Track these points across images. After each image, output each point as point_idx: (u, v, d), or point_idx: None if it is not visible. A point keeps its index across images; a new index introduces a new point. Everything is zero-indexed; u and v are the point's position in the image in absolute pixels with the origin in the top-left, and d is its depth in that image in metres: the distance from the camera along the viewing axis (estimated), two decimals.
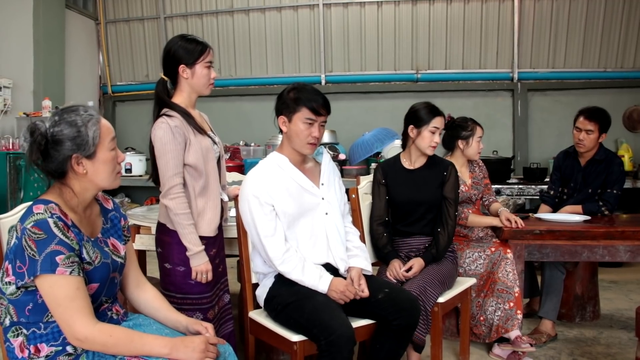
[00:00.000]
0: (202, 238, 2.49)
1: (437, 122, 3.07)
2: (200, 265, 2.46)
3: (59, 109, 1.82)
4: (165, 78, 2.58)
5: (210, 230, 2.54)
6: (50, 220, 1.64)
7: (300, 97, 2.44)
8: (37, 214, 1.65)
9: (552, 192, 4.00)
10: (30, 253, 1.61)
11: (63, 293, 1.62)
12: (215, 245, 2.60)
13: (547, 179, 5.58)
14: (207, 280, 2.49)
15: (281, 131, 2.54)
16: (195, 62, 2.50)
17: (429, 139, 3.07)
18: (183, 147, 2.44)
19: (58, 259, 1.62)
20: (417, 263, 2.92)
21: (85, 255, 1.73)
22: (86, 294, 1.68)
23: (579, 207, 3.73)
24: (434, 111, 3.09)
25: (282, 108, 2.48)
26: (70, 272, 1.63)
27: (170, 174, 2.41)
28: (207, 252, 2.50)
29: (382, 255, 3.09)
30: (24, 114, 5.71)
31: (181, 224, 2.42)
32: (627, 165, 6.01)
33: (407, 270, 2.89)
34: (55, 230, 1.64)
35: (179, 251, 2.47)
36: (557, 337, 3.57)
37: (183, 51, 2.50)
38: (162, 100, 2.53)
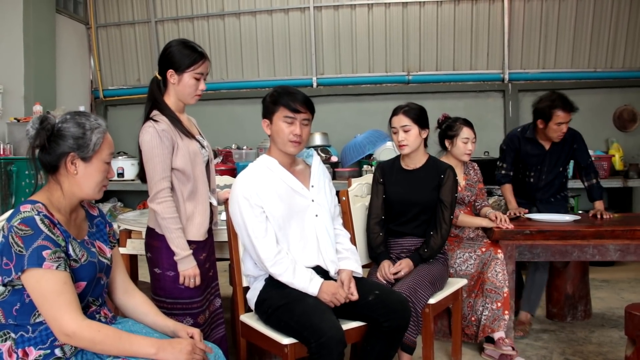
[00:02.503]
0: (191, 242, 2.49)
1: (394, 122, 3.11)
2: (187, 269, 2.45)
3: (73, 111, 1.89)
4: (159, 77, 2.56)
5: (199, 235, 2.53)
6: (37, 217, 1.68)
7: (277, 98, 2.46)
8: (24, 212, 1.69)
9: (511, 173, 4.06)
10: (17, 249, 1.63)
11: (50, 287, 1.64)
12: (205, 249, 2.60)
13: None
14: (195, 285, 2.49)
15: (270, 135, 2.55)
16: (185, 70, 2.48)
17: (395, 138, 3.12)
18: (170, 151, 2.43)
19: (45, 253, 1.64)
20: (405, 264, 2.93)
21: (71, 252, 1.75)
22: (73, 290, 1.70)
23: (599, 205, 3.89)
24: (393, 111, 3.14)
25: (264, 112, 2.52)
26: (57, 267, 1.66)
27: (158, 178, 2.41)
28: (197, 257, 2.50)
29: (375, 254, 3.10)
30: (15, 119, 5.68)
31: (169, 228, 2.41)
32: (618, 165, 6.05)
33: (396, 272, 2.90)
34: (41, 226, 1.67)
35: (168, 256, 2.46)
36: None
37: (177, 56, 2.48)
38: (154, 98, 2.53)
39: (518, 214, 3.74)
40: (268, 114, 2.49)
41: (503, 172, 4.06)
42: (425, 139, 3.16)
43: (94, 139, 1.80)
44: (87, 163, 1.81)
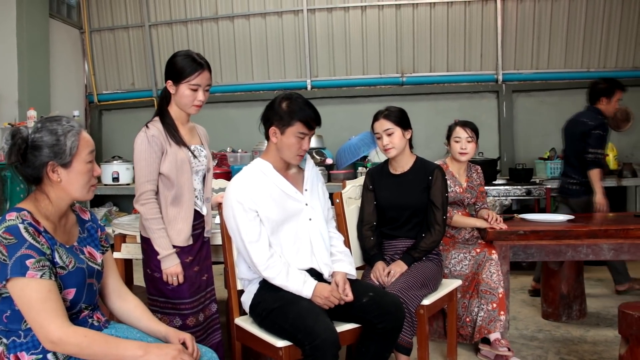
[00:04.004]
0: (174, 247, 2.54)
1: (376, 127, 3.12)
2: (170, 267, 2.51)
3: (44, 117, 1.87)
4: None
5: (180, 240, 2.56)
6: (21, 226, 1.67)
7: (294, 110, 2.44)
8: (8, 220, 1.68)
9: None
10: (1, 258, 1.63)
11: (35, 296, 1.63)
12: (191, 253, 2.62)
13: (533, 179, 5.62)
14: (177, 283, 2.54)
15: (267, 137, 2.55)
16: (180, 81, 2.52)
17: (379, 143, 3.12)
18: (159, 156, 2.51)
19: (28, 262, 1.64)
20: (397, 266, 2.93)
21: (58, 259, 1.74)
22: (59, 298, 1.69)
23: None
24: (374, 117, 3.15)
25: (274, 119, 2.48)
26: (41, 276, 1.65)
27: (143, 180, 2.50)
28: (182, 260, 2.55)
29: (368, 256, 3.11)
30: (9, 124, 5.66)
31: (151, 229, 2.49)
32: (612, 164, 6.07)
33: (389, 274, 2.90)
34: (25, 235, 1.66)
35: (154, 257, 2.54)
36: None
37: (175, 67, 2.54)
38: (160, 106, 2.62)
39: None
40: (280, 124, 2.46)
41: (600, 156, 4.24)
42: (410, 140, 3.16)
43: (69, 143, 1.77)
44: (68, 168, 1.79)
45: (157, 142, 2.49)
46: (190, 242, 2.60)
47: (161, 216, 2.51)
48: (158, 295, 2.59)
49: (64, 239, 1.82)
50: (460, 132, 3.49)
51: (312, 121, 2.47)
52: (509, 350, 3.15)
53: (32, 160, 1.76)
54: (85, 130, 1.87)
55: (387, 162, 3.25)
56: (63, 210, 1.84)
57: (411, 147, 3.19)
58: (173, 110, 2.61)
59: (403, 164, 3.16)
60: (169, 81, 2.55)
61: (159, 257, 2.50)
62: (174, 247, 2.53)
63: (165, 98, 2.61)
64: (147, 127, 2.52)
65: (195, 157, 2.61)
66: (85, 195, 1.85)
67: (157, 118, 2.58)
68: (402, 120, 3.09)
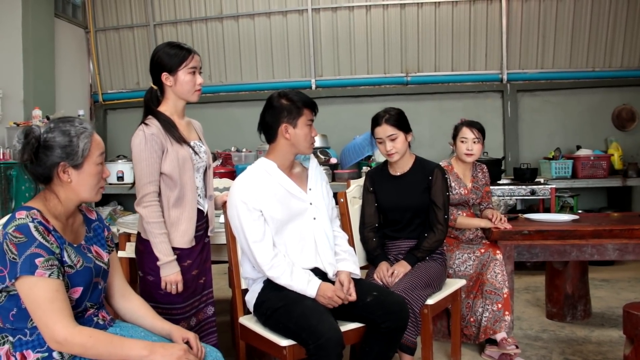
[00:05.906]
0: (175, 249, 2.46)
1: (379, 132, 3.08)
2: (169, 275, 2.43)
3: (56, 118, 1.87)
4: (155, 87, 2.57)
5: (184, 242, 2.50)
6: (31, 225, 1.68)
7: (297, 100, 2.48)
8: (18, 219, 1.69)
9: None
10: (10, 257, 1.65)
11: (42, 295, 1.65)
12: (190, 257, 2.55)
13: (537, 179, 5.61)
14: (177, 292, 2.46)
15: (270, 141, 2.55)
16: (178, 68, 2.48)
17: (382, 148, 3.10)
18: (160, 156, 2.42)
19: (37, 261, 1.65)
20: (400, 267, 2.93)
21: (66, 258, 1.76)
22: (66, 297, 1.70)
23: None
24: (373, 121, 3.12)
25: (281, 116, 2.47)
26: (49, 275, 1.66)
27: (145, 182, 2.40)
28: (181, 264, 2.48)
29: (372, 257, 3.10)
30: (15, 123, 5.69)
31: (153, 233, 2.40)
32: (617, 164, 6.06)
33: (392, 275, 2.90)
34: (35, 233, 1.67)
35: (149, 260, 2.46)
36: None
37: (166, 58, 2.49)
38: (148, 108, 2.54)
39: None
40: (290, 118, 2.47)
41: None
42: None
43: (81, 145, 1.79)
44: (79, 170, 1.80)
45: (157, 140, 2.40)
46: (193, 243, 2.54)
47: (163, 220, 2.43)
48: (147, 299, 2.39)
49: (71, 238, 1.84)
50: (467, 133, 3.47)
51: (314, 105, 2.53)
52: (517, 347, 3.14)
53: (43, 159, 1.78)
54: (96, 132, 1.88)
55: (386, 163, 3.24)
56: (71, 210, 1.86)
57: (408, 146, 3.17)
58: (167, 107, 2.53)
59: (403, 165, 3.15)
60: (164, 74, 2.49)
61: (158, 263, 2.41)
62: (176, 249, 2.46)
63: (151, 99, 2.55)
64: (145, 124, 2.43)
65: (196, 153, 2.55)
66: (94, 196, 1.87)
67: (151, 117, 2.49)
68: (403, 123, 3.07)
